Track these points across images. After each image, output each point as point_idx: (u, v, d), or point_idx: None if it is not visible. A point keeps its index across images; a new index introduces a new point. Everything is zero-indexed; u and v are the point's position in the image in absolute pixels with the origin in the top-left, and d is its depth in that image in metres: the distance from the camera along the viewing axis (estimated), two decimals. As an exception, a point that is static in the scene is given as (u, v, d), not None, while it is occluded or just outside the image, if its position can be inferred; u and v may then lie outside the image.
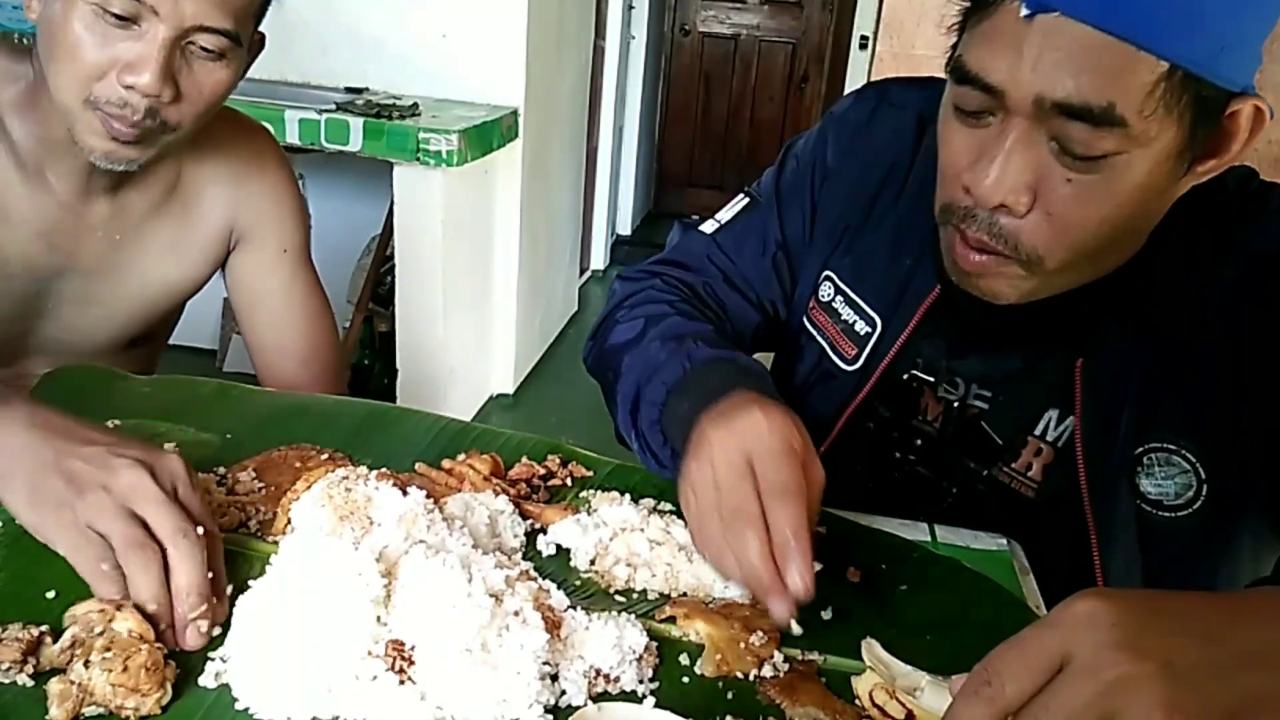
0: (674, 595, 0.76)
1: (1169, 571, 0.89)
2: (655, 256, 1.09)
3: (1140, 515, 0.87)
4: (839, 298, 0.99)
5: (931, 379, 0.94)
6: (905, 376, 0.95)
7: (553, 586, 0.70)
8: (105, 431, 0.71)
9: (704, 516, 0.71)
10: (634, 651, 0.67)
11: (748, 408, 0.73)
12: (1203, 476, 0.85)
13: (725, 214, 1.07)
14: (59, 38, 0.89)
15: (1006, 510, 0.92)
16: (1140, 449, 0.86)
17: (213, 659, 0.63)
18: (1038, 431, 0.91)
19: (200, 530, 0.66)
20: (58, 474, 0.66)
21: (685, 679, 0.68)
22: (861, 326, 0.97)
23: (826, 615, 0.74)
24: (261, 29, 1.03)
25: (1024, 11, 0.69)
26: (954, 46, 0.77)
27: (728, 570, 0.70)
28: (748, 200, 1.07)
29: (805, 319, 1.03)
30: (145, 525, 0.65)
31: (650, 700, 0.64)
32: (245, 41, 0.95)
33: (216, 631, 0.65)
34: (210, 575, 0.65)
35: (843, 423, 0.98)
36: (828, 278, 1.00)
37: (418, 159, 2.61)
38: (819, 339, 1.01)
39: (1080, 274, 0.81)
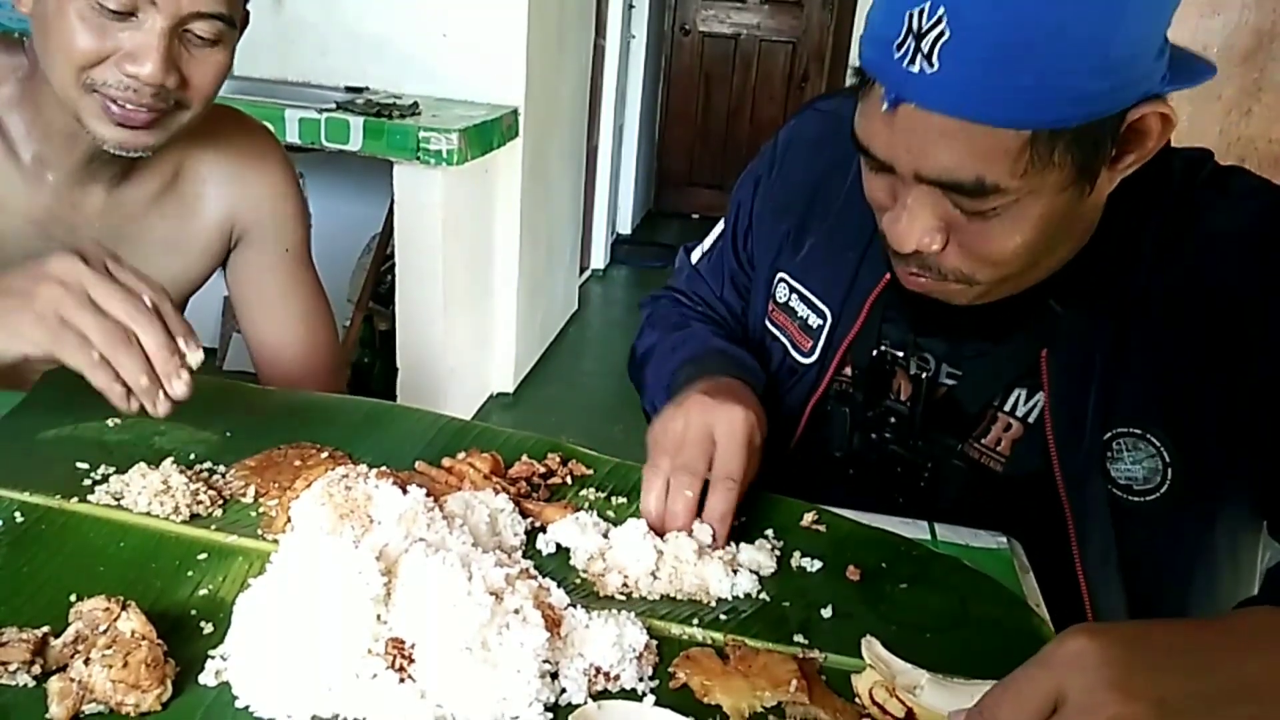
0: (675, 596, 0.76)
1: (1144, 556, 0.89)
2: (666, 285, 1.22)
3: (1112, 500, 0.87)
4: (794, 296, 1.03)
5: (901, 354, 0.96)
6: (875, 354, 0.97)
7: (553, 584, 0.71)
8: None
9: (658, 452, 0.84)
10: (634, 649, 0.67)
11: (733, 393, 0.87)
12: (1168, 460, 0.85)
13: (708, 239, 1.16)
14: (53, 29, 0.89)
15: (980, 488, 0.93)
16: (1109, 434, 0.86)
17: (213, 657, 0.63)
18: (1007, 407, 0.92)
19: (146, 293, 0.74)
20: (2, 294, 0.75)
21: (685, 677, 0.68)
22: (814, 320, 1.01)
23: (826, 614, 0.75)
24: (259, 24, 1.03)
25: (884, 107, 0.72)
26: None
27: (649, 501, 0.82)
28: (723, 226, 1.15)
29: (767, 321, 1.07)
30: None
31: (650, 698, 0.64)
32: (238, 22, 0.96)
33: (199, 359, 0.76)
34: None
35: (808, 415, 1.01)
36: (782, 279, 1.05)
37: (418, 158, 2.61)
38: (781, 338, 1.05)
39: (1024, 279, 0.83)
